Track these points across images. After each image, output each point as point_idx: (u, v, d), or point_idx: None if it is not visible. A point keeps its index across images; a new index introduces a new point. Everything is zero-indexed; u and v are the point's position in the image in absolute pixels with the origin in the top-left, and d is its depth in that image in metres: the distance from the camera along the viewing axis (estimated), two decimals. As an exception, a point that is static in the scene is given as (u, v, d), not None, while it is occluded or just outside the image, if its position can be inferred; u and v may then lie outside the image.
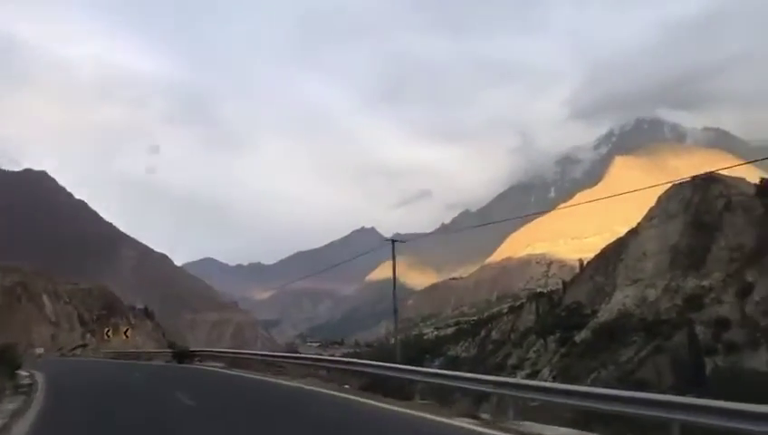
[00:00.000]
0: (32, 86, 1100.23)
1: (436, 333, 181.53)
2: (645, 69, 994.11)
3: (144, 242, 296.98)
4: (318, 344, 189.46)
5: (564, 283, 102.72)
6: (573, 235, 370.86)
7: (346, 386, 20.67)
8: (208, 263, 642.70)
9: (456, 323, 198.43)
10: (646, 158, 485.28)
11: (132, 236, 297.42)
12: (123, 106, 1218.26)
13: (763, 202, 65.40)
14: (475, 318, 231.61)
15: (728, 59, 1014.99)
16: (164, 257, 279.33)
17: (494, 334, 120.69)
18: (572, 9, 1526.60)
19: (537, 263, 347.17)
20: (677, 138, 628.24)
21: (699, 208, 69.18)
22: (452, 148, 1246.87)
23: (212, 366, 38.15)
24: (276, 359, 34.23)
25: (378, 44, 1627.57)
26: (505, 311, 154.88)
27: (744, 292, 57.51)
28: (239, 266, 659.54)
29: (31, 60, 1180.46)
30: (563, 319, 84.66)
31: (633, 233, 79.66)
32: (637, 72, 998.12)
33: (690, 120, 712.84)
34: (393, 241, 44.69)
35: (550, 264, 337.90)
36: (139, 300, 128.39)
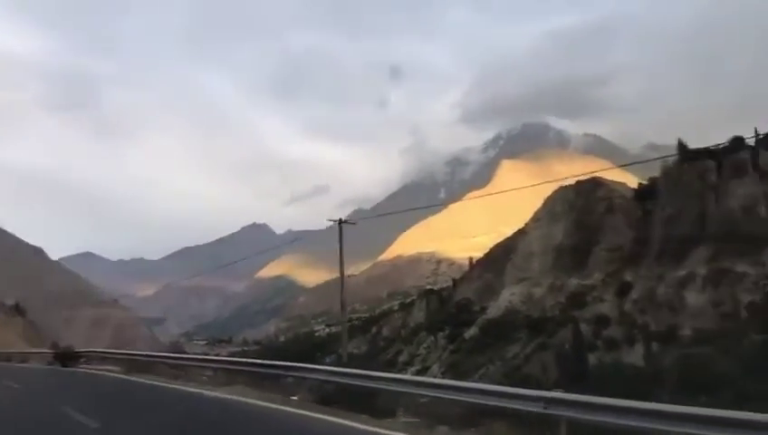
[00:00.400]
0: None
1: (327, 330, 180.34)
2: (533, 76, 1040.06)
3: (15, 234, 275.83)
4: (205, 343, 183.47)
5: (455, 280, 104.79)
6: (462, 234, 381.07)
7: (294, 397, 16.68)
8: (87, 257, 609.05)
9: (349, 320, 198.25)
10: (532, 162, 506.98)
11: (1, 227, 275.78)
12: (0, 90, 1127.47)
13: (641, 206, 69.29)
14: (366, 315, 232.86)
15: (611, 70, 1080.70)
16: (38, 251, 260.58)
17: (385, 331, 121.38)
18: (466, 15, 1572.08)
19: (427, 261, 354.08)
20: (561, 143, 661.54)
21: (583, 210, 72.36)
22: (347, 146, 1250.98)
23: (105, 370, 31.75)
24: (189, 362, 28.36)
25: (275, 40, 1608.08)
26: (396, 308, 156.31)
27: (623, 291, 60.63)
28: (121, 262, 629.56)
29: None
30: (453, 316, 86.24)
31: (521, 233, 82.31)
32: (525, 79, 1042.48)
33: (574, 127, 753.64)
34: (341, 222, 35.04)
35: (439, 262, 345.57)
36: (8, 296, 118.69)
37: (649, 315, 54.16)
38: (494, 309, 76.97)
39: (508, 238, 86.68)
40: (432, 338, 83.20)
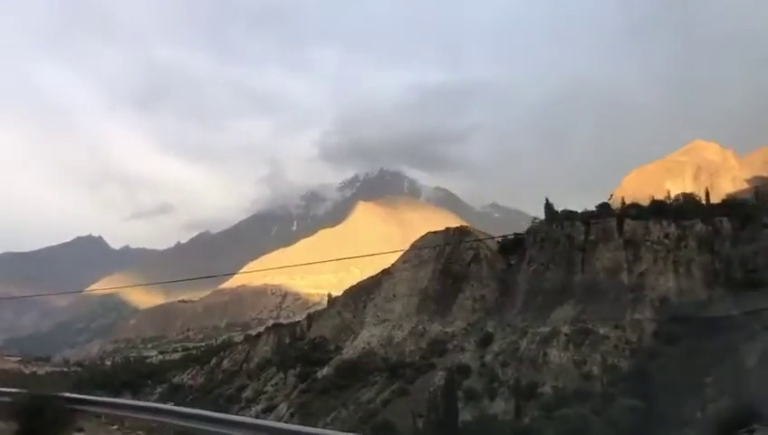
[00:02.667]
0: None
1: (161, 357, 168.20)
2: (394, 126, 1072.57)
3: None
4: (18, 359, 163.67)
5: (310, 316, 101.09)
6: (310, 270, 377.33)
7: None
8: None
9: (185, 349, 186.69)
10: (385, 206, 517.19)
11: None
12: None
13: (505, 259, 70.58)
14: (202, 344, 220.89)
15: (466, 130, 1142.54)
16: None
17: (226, 363, 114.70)
18: (336, 56, 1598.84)
19: (272, 294, 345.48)
20: (414, 193, 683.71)
21: (450, 257, 72.38)
22: (200, 167, 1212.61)
23: None
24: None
25: (139, 51, 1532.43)
26: (240, 340, 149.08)
27: (485, 342, 60.54)
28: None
29: None
30: (306, 353, 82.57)
31: (386, 274, 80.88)
32: (386, 126, 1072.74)
33: (426, 179, 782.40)
34: None
35: (285, 296, 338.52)
36: None
37: (511, 369, 54.01)
38: (351, 349, 74.44)
39: (371, 278, 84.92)
40: (281, 375, 78.78)
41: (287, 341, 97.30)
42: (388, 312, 74.58)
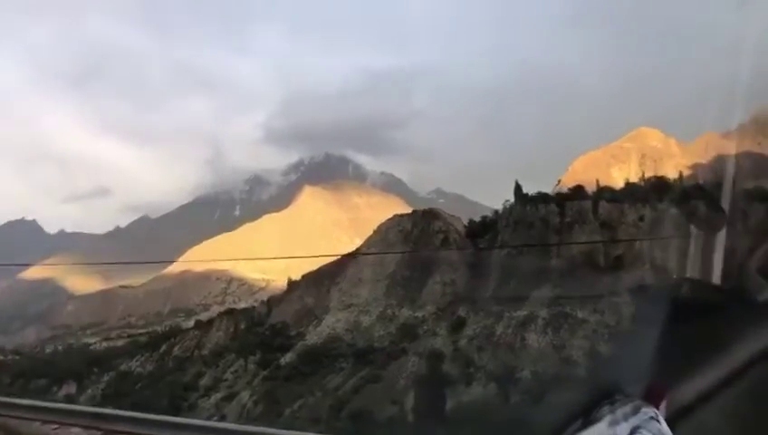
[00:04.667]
0: None
1: (105, 344, 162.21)
2: (339, 109, 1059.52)
3: None
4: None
5: (269, 301, 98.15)
6: (256, 255, 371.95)
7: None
8: None
9: (129, 335, 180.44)
10: (331, 191, 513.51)
11: None
12: None
13: (473, 242, 69.58)
14: (145, 331, 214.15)
15: (410, 115, 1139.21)
16: None
17: (177, 350, 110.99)
18: (280, 38, 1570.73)
19: (217, 279, 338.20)
20: (359, 177, 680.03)
21: (419, 241, 70.99)
22: (139, 149, 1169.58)
23: None
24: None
25: (74, 23, 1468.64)
26: (188, 326, 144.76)
27: (457, 326, 59.47)
28: None
29: None
30: (266, 339, 79.96)
31: (351, 257, 78.92)
32: (331, 110, 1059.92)
33: (371, 164, 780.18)
34: None
35: (230, 281, 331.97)
36: None
37: (488, 354, 53.08)
38: (315, 335, 72.41)
39: (334, 262, 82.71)
40: (242, 362, 76.04)
41: (243, 326, 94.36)
42: (354, 296, 72.78)
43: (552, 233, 57.64)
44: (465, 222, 75.46)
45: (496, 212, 71.37)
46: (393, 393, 50.97)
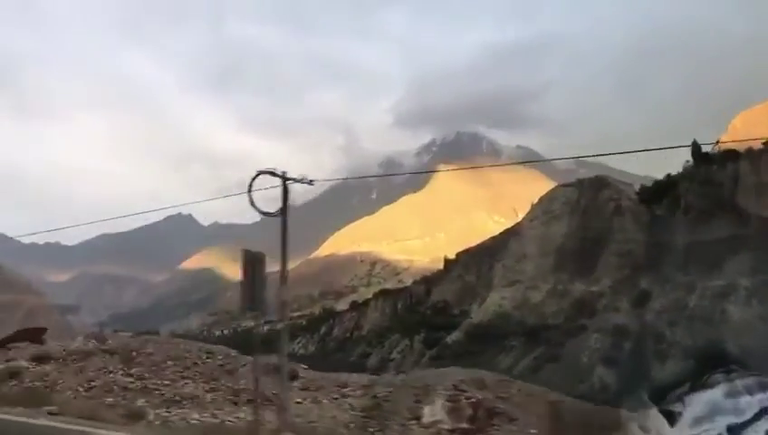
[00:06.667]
0: None
1: (268, 327, 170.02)
2: (468, 86, 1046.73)
3: None
4: (130, 335, 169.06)
5: (427, 280, 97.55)
6: (396, 236, 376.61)
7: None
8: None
9: (290, 319, 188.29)
10: (467, 169, 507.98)
11: None
12: None
13: (648, 209, 64.31)
14: (300, 313, 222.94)
15: (543, 86, 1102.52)
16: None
17: (336, 331, 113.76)
18: (407, 22, 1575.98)
19: (361, 262, 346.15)
20: (494, 154, 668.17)
21: (587, 212, 66.81)
22: (279, 141, 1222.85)
23: None
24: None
25: (212, 29, 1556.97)
26: (341, 308, 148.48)
27: (641, 300, 55.20)
28: (33, 245, 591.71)
29: None
30: (429, 318, 79.30)
31: (512, 233, 76.10)
32: (460, 88, 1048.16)
33: (505, 139, 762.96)
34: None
35: (374, 263, 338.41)
36: None
37: (681, 328, 48.60)
38: (480, 313, 70.54)
39: (494, 238, 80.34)
40: (407, 342, 75.85)
41: (401, 306, 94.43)
42: (519, 272, 70.01)
43: (747, 193, 51.61)
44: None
45: (668, 176, 65.66)
46: (578, 373, 48.01)
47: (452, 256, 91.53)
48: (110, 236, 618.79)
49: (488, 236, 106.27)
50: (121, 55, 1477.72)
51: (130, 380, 17.22)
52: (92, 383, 17.03)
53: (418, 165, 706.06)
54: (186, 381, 17.44)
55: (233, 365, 19.11)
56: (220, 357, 20.08)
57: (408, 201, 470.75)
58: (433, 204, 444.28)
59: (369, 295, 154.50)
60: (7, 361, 19.79)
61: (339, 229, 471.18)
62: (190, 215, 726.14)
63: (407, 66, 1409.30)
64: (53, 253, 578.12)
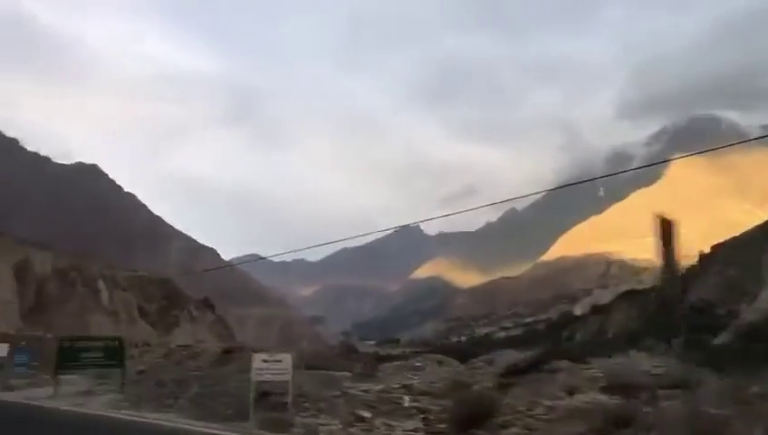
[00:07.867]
0: (85, 82, 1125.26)
1: (503, 333, 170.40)
2: (696, 66, 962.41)
3: (190, 234, 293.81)
4: (374, 343, 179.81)
5: (683, 277, 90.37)
6: (630, 235, 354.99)
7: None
8: (253, 259, 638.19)
9: (524, 325, 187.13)
10: (705, 155, 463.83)
11: (180, 229, 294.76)
12: (171, 103, 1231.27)
13: None
14: (534, 318, 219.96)
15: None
16: (212, 252, 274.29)
17: (579, 336, 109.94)
18: (621, 9, 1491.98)
19: (595, 263, 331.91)
20: (736, 136, 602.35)
21: None
22: (497, 147, 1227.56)
23: None
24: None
25: (426, 46, 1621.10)
26: (580, 312, 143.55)
27: None
28: (283, 263, 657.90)
29: (84, 56, 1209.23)
30: (687, 320, 73.24)
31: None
32: (688, 69, 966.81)
33: (746, 119, 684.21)
34: None
35: (609, 264, 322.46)
36: (193, 294, 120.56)
37: None
38: (751, 312, 63.44)
39: (759, 226, 72.17)
40: (667, 346, 70.65)
41: (655, 307, 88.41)
42: (796, 264, 62.01)
43: None
44: None
45: None
46: None
47: (705, 251, 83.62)
48: (349, 251, 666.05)
49: (739, 228, 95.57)
50: (345, 81, 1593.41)
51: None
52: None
53: (648, 156, 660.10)
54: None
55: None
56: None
57: (639, 196, 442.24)
58: (669, 197, 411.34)
59: (607, 298, 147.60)
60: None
61: (567, 230, 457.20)
62: (417, 226, 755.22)
63: (625, 56, 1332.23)
64: (300, 269, 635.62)
